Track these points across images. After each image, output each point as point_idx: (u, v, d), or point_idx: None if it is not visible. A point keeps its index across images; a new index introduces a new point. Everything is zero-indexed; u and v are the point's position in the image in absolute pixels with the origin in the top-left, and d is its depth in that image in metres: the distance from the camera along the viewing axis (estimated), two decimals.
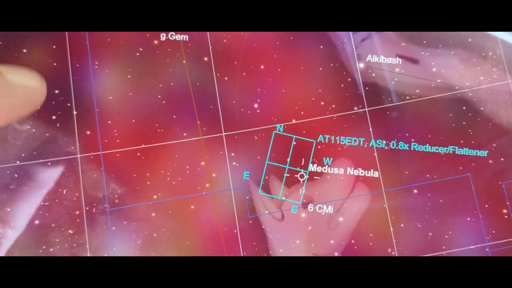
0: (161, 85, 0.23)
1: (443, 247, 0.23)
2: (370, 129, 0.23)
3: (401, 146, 0.23)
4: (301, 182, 0.23)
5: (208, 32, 0.23)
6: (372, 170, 0.23)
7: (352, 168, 0.23)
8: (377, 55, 0.24)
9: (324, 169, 0.23)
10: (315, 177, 0.23)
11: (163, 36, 0.23)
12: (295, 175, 0.23)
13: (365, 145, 0.23)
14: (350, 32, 0.24)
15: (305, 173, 0.23)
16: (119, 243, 0.23)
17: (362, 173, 0.23)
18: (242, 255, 0.23)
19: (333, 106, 0.23)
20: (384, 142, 0.23)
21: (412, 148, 0.23)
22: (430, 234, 0.23)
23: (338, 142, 0.24)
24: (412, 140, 0.23)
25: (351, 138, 0.23)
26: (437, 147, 0.23)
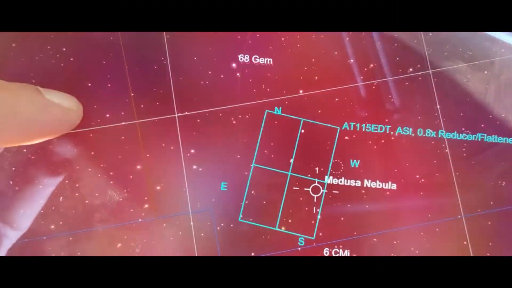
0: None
1: None
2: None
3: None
4: (315, 199, 0.13)
5: None
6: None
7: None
8: None
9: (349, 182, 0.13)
10: (334, 191, 0.13)
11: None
12: (305, 188, 0.13)
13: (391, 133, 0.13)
14: None
15: (323, 184, 0.13)
16: None
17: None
18: None
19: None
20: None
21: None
22: None
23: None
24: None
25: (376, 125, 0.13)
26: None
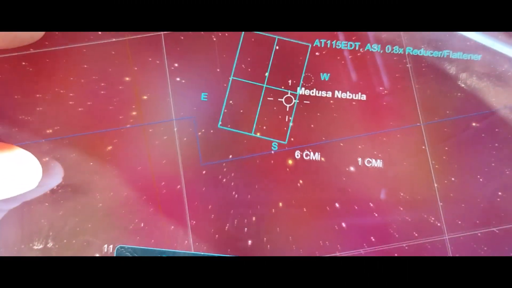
0: None
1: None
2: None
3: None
4: (288, 108, 0.14)
5: None
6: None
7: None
8: None
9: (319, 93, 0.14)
10: (305, 101, 0.14)
11: None
12: (279, 99, 0.14)
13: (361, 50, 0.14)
14: None
15: (294, 95, 0.14)
16: None
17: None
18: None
19: None
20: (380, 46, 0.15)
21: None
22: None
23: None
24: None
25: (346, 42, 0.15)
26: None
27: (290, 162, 0.15)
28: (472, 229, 0.15)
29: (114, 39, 0.15)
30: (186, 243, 0.15)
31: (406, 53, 0.17)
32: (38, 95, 0.15)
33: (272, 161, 0.15)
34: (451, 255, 0.15)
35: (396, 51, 0.16)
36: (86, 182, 0.15)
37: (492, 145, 0.15)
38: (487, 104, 0.15)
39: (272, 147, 0.15)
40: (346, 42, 0.16)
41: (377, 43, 0.16)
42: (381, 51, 0.16)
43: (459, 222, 0.15)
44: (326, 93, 0.15)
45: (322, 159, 0.15)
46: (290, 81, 0.15)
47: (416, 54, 0.16)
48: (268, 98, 0.15)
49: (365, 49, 0.16)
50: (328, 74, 0.15)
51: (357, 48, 0.16)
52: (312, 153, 0.15)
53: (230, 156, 0.15)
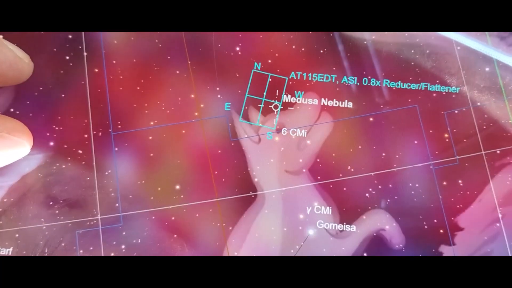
0: (157, 32, 0.28)
1: (394, 165, 0.27)
2: (345, 63, 0.27)
3: (373, 83, 0.28)
4: (275, 112, 0.28)
5: None
6: (334, 99, 0.28)
7: (320, 99, 0.27)
8: None
9: (298, 101, 0.28)
10: (289, 108, 0.28)
11: None
12: (270, 106, 0.28)
13: (337, 82, 0.28)
14: None
15: (279, 104, 0.28)
16: (120, 162, 0.27)
17: (328, 103, 0.27)
18: (226, 171, 0.27)
19: (303, 49, 0.28)
20: (356, 78, 0.28)
21: (384, 85, 0.27)
22: (383, 154, 0.27)
23: (310, 79, 0.28)
24: (383, 74, 0.27)
25: (323, 75, 0.28)
26: (390, 81, 0.28)
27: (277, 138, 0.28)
28: None
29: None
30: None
31: (383, 85, 0.27)
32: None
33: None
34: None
35: (373, 83, 0.27)
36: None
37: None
38: None
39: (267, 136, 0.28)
40: (323, 74, 0.29)
41: (353, 76, 0.29)
42: (358, 84, 0.27)
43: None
44: (313, 101, 0.28)
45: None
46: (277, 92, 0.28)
47: (393, 86, 0.27)
48: (263, 105, 0.28)
49: (342, 82, 0.29)
50: (303, 92, 0.29)
51: (333, 81, 0.29)
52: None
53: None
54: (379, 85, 0.27)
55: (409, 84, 0.27)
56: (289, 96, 0.28)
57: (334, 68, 0.27)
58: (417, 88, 0.27)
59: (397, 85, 0.27)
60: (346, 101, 0.27)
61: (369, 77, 0.27)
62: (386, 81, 0.27)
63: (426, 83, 0.27)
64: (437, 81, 0.27)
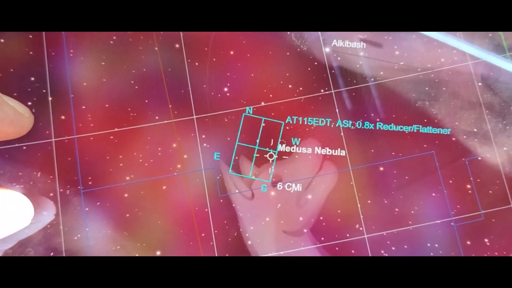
0: (133, 71, 0.24)
1: (410, 222, 0.23)
2: (337, 110, 0.24)
3: (366, 126, 0.24)
4: (270, 161, 0.24)
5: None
6: (339, 149, 0.24)
7: (320, 147, 0.24)
8: (342, 39, 0.25)
9: (293, 149, 0.24)
10: (284, 157, 0.24)
11: None
12: (264, 155, 0.24)
13: (332, 125, 0.24)
14: None
15: (274, 153, 0.24)
16: (92, 223, 0.23)
17: (329, 152, 0.24)
18: (213, 233, 0.23)
19: (301, 88, 0.24)
20: (350, 122, 0.24)
21: (377, 128, 0.24)
22: (396, 209, 0.23)
23: (306, 123, 0.24)
24: (377, 119, 0.24)
25: (318, 118, 0.24)
26: (401, 126, 0.24)
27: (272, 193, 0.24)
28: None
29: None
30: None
31: (377, 128, 0.24)
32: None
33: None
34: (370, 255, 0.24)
35: (367, 126, 0.24)
36: None
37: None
38: None
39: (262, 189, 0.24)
40: (318, 118, 0.26)
41: (347, 119, 0.25)
42: (353, 127, 0.24)
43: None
44: (306, 149, 0.25)
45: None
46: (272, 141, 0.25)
47: (386, 129, 0.24)
48: (256, 155, 0.24)
49: (336, 125, 0.25)
50: (299, 139, 0.25)
51: (328, 124, 0.26)
52: (294, 184, 0.24)
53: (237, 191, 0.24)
54: (391, 129, 0.24)
55: (423, 127, 0.23)
56: (284, 144, 0.24)
57: (336, 111, 0.24)
58: (433, 132, 0.24)
59: (411, 129, 0.24)
60: (357, 147, 0.24)
61: (377, 119, 0.24)
62: (400, 127, 0.24)
63: (445, 128, 0.24)
64: (456, 123, 0.24)
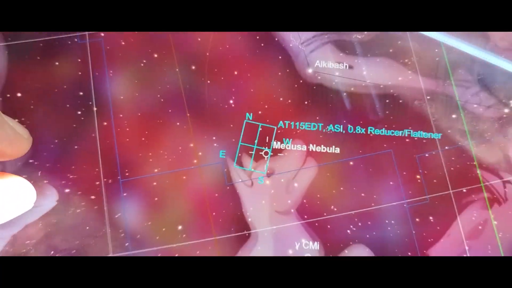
0: (159, 87, 0.31)
1: (372, 204, 0.30)
2: (317, 118, 0.31)
3: (358, 130, 0.31)
4: (265, 158, 0.31)
5: (195, 47, 0.31)
6: (320, 146, 0.31)
7: (305, 146, 0.31)
8: (325, 61, 0.32)
9: (283, 147, 0.31)
10: (279, 154, 0.31)
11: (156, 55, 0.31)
12: (260, 152, 0.31)
13: (324, 130, 0.31)
14: (300, 46, 0.32)
15: (268, 151, 0.31)
16: (128, 205, 0.30)
17: (311, 149, 0.31)
18: (221, 213, 0.30)
19: (289, 101, 0.31)
20: (342, 126, 0.31)
21: (369, 132, 0.31)
22: (362, 194, 0.30)
23: (298, 128, 0.31)
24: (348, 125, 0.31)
25: (310, 123, 0.31)
26: (371, 128, 0.31)
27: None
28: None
29: None
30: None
31: (368, 132, 0.32)
32: None
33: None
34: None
35: (358, 131, 0.31)
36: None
37: None
38: None
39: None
40: (310, 123, 0.33)
41: (339, 124, 0.32)
42: (388, 134, 0.31)
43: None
44: (301, 147, 0.32)
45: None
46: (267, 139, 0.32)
47: (378, 133, 0.30)
48: (255, 152, 0.32)
49: (328, 130, 0.33)
50: (290, 139, 0.32)
51: (320, 129, 0.33)
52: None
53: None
54: (364, 132, 0.31)
55: (386, 129, 0.31)
56: (278, 143, 0.31)
57: (317, 118, 0.31)
58: (391, 134, 0.31)
59: (381, 132, 0.31)
60: (333, 146, 0.31)
61: (354, 125, 0.31)
62: (371, 128, 0.31)
63: (400, 130, 0.31)
64: (410, 127, 0.31)
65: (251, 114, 0.30)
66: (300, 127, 0.30)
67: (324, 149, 0.30)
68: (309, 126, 0.30)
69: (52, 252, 0.27)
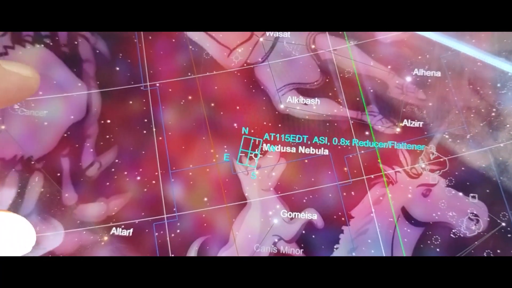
0: (192, 117, 0.52)
1: (319, 185, 0.51)
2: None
3: (312, 141, 0.52)
4: (255, 159, 0.52)
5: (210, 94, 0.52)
6: (288, 147, 0.52)
7: (280, 148, 0.52)
8: (291, 100, 0.53)
9: (269, 150, 0.52)
10: (264, 155, 0.52)
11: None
12: (251, 154, 0.51)
13: (291, 140, 0.52)
14: (277, 91, 0.53)
15: (258, 153, 0.52)
16: (175, 188, 0.51)
17: (283, 150, 0.52)
18: (230, 190, 0.51)
19: (270, 124, 0.53)
20: (302, 138, 0.51)
21: (317, 142, 0.52)
22: (312, 179, 0.51)
23: (277, 139, 0.52)
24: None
25: (283, 135, 0.52)
26: (320, 138, 0.52)
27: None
28: None
29: None
30: None
31: (353, 144, 0.45)
32: None
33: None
34: None
35: (342, 143, 0.47)
36: None
37: None
38: None
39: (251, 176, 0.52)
40: (295, 135, 0.52)
41: (324, 136, 0.49)
42: (328, 143, 0.44)
43: None
44: (291, 149, 0.53)
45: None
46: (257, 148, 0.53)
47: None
48: (249, 155, 0.52)
49: (313, 142, 0.49)
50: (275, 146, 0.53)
51: (305, 141, 0.53)
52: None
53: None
54: (315, 142, 0.52)
55: (326, 140, 0.52)
56: (265, 148, 0.52)
57: (287, 133, 0.52)
58: (329, 144, 0.52)
59: (323, 141, 0.52)
60: (295, 149, 0.52)
61: (311, 137, 0.52)
62: (320, 139, 0.52)
63: (335, 140, 0.52)
64: (342, 137, 0.52)
65: (247, 128, 0.52)
66: (278, 139, 0.51)
67: (290, 150, 0.51)
68: (282, 137, 0.51)
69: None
